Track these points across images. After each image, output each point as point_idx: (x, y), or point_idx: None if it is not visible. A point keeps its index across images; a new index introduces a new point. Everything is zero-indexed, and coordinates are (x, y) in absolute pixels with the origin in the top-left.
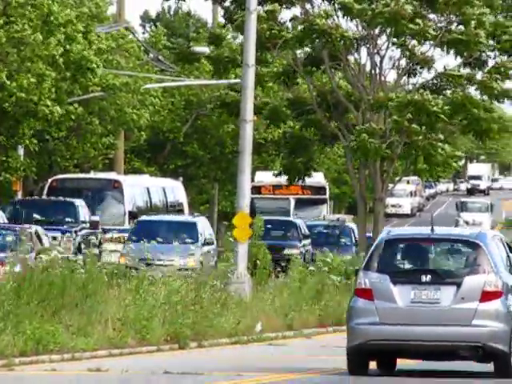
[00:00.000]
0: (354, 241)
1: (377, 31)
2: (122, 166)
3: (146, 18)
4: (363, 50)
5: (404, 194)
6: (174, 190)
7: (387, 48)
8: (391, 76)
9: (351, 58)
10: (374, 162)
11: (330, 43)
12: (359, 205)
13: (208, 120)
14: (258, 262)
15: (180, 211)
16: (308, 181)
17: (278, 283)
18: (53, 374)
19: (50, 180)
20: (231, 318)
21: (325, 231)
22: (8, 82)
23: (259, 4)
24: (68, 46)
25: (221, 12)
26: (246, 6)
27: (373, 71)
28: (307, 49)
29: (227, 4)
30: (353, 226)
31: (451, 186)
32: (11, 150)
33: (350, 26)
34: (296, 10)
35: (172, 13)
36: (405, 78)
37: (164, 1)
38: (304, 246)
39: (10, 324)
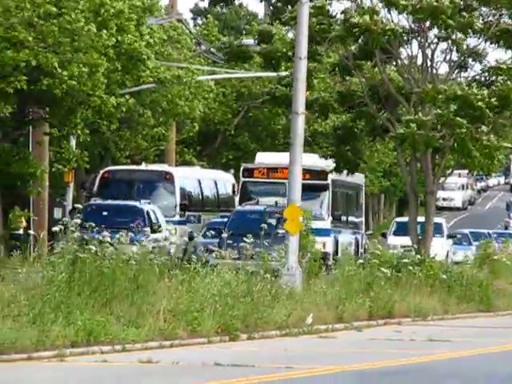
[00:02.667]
0: None
1: (427, 24)
2: (174, 158)
3: (197, 10)
4: (414, 43)
5: (455, 188)
6: (225, 182)
7: (438, 41)
8: (444, 69)
9: (402, 51)
10: (424, 154)
11: (373, 38)
12: (410, 198)
13: (259, 112)
14: (308, 254)
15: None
16: (307, 163)
17: (329, 276)
18: (104, 365)
19: (101, 171)
20: (282, 310)
21: (257, 218)
22: (59, 70)
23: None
24: (119, 38)
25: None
26: None
27: (424, 64)
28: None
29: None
30: None
31: (502, 180)
32: (63, 141)
33: (400, 19)
34: (346, 3)
35: (223, 5)
36: (456, 71)
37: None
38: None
39: (61, 315)
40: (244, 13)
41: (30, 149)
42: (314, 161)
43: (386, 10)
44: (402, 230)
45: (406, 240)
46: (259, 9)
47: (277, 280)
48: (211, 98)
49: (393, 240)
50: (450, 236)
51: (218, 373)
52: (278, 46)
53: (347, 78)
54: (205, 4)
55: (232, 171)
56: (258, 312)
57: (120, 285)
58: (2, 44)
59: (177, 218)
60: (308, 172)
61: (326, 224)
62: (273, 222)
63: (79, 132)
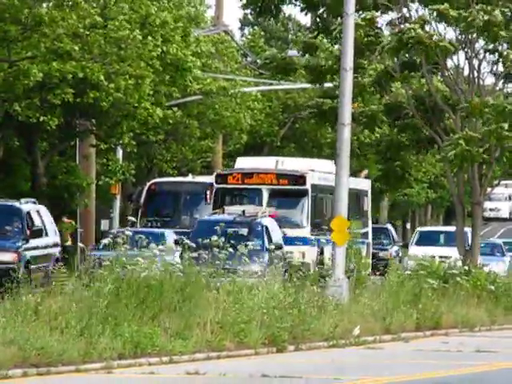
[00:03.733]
0: (266, 242)
1: (474, 35)
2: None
3: (244, 21)
4: (461, 54)
5: (502, 198)
6: None
7: (485, 52)
8: (489, 79)
9: (449, 62)
10: (471, 166)
11: (424, 51)
12: (457, 209)
13: (305, 123)
14: (354, 265)
15: None
16: (285, 167)
17: (375, 287)
18: (151, 376)
19: (148, 183)
20: (329, 321)
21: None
22: (106, 83)
23: (356, 11)
24: (165, 48)
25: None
26: (344, 10)
27: (471, 75)
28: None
29: (320, 11)
30: (270, 222)
31: None
32: (110, 154)
33: (447, 30)
34: (393, 14)
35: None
36: (501, 82)
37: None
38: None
39: (108, 327)
40: (291, 24)
41: (77, 161)
42: (296, 167)
43: (434, 22)
44: (424, 239)
45: (428, 250)
46: (306, 20)
47: (323, 291)
48: (258, 110)
49: (414, 250)
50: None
51: None
52: (322, 59)
53: (392, 89)
54: (251, 15)
55: None
56: (305, 323)
57: (167, 297)
58: (49, 55)
59: None
60: (285, 177)
61: (305, 232)
62: (244, 232)
63: (126, 144)
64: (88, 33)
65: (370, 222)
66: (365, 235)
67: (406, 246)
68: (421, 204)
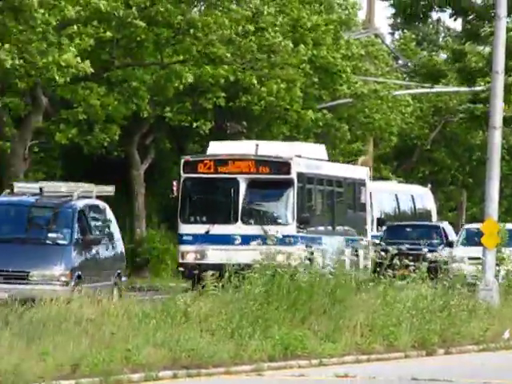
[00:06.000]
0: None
1: None
2: (371, 173)
3: (395, 25)
4: None
5: None
6: (423, 196)
7: None
8: None
9: None
10: None
11: None
12: None
13: (456, 127)
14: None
15: (428, 218)
16: (267, 153)
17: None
18: (301, 379)
19: None
20: (479, 324)
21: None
22: (258, 86)
23: (508, 15)
24: (315, 52)
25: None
26: (496, 13)
27: None
28: None
29: (470, 17)
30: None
31: None
32: None
33: None
34: None
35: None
36: None
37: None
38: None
39: (258, 329)
40: (440, 28)
41: None
42: (279, 152)
43: None
44: (472, 238)
45: (476, 251)
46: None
47: (474, 294)
48: (408, 113)
49: (460, 251)
50: None
51: None
52: (472, 63)
53: None
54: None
55: (429, 186)
56: (455, 326)
57: (317, 299)
58: (201, 60)
59: (374, 232)
60: (266, 164)
61: (290, 230)
62: (41, 222)
63: None
64: (240, 39)
65: (368, 216)
66: (361, 232)
67: (450, 246)
68: None
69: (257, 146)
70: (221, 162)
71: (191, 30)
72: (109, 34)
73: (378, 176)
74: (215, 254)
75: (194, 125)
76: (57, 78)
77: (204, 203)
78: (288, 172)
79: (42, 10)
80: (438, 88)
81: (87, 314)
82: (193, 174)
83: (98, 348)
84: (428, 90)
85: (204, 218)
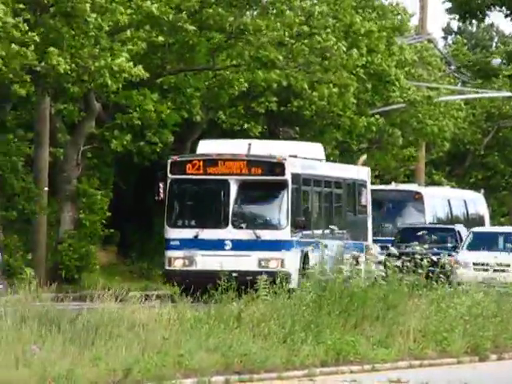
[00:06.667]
0: None
1: None
2: (423, 178)
3: (448, 30)
4: None
5: None
6: (476, 202)
7: None
8: None
9: None
10: None
11: None
12: None
13: (509, 132)
14: None
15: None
16: (259, 153)
17: None
18: None
19: None
20: None
21: None
22: (309, 91)
23: None
24: (369, 58)
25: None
26: None
27: None
28: None
29: None
30: None
31: None
32: None
33: None
34: None
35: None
36: None
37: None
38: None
39: (311, 334)
40: (493, 33)
41: None
42: (273, 152)
43: None
44: (478, 243)
45: (482, 256)
46: (509, 29)
47: None
48: (461, 118)
49: (465, 256)
50: None
51: None
52: None
53: None
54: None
55: (482, 191)
56: (508, 332)
57: (370, 305)
58: (253, 64)
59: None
60: (259, 164)
61: (284, 234)
62: None
63: (329, 153)
64: (293, 42)
65: (369, 219)
66: (361, 236)
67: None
68: None
69: (249, 145)
70: (210, 162)
71: (243, 35)
72: (161, 38)
73: (429, 181)
74: (205, 261)
75: (245, 126)
76: (109, 83)
77: (192, 206)
78: (282, 173)
79: (94, 15)
80: (492, 93)
81: (139, 319)
82: (180, 175)
83: (151, 353)
84: (482, 96)
85: (193, 222)
